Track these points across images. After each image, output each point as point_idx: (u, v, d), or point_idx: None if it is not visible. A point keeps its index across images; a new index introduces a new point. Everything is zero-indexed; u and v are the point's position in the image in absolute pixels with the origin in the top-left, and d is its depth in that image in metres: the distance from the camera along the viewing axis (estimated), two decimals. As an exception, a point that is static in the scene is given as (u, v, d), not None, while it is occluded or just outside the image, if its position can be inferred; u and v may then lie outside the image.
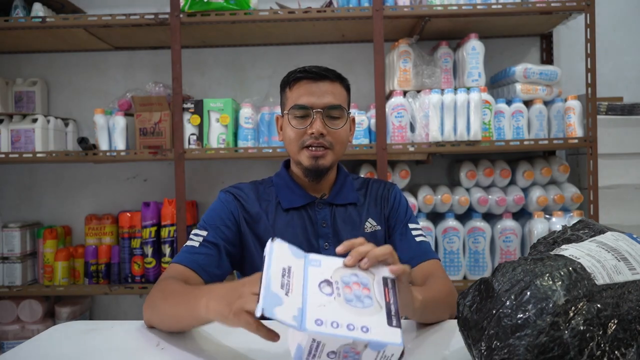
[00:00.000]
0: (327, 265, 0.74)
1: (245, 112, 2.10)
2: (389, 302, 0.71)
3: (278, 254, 0.72)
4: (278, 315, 0.64)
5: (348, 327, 0.65)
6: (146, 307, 0.96)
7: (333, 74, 1.16)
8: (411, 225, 1.21)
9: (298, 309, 0.66)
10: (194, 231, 1.13)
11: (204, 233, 1.11)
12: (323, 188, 1.20)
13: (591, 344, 0.58)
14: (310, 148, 1.13)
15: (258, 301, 0.65)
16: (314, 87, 1.13)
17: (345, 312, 0.67)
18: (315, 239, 1.15)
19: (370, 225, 1.19)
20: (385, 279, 0.74)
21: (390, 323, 0.67)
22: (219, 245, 1.10)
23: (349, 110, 1.21)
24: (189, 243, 1.10)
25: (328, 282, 0.71)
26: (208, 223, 1.13)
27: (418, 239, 1.19)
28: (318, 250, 1.14)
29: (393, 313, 0.69)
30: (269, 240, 0.73)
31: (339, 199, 1.20)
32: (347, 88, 1.21)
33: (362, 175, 2.10)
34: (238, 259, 1.16)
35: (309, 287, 0.70)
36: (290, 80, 1.17)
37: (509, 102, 2.10)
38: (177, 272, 1.04)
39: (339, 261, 0.76)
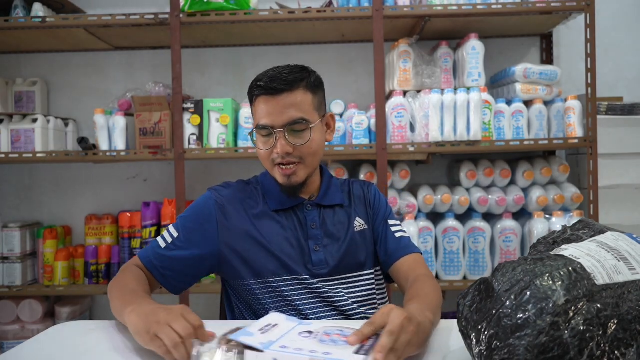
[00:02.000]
0: (317, 324, 0.80)
1: (245, 112, 2.10)
2: (364, 344, 0.72)
3: (270, 317, 0.80)
4: (242, 340, 0.70)
5: (310, 351, 0.68)
6: (108, 289, 1.06)
7: (293, 82, 1.07)
8: (391, 222, 1.22)
9: (269, 341, 0.71)
10: (170, 226, 1.15)
11: (175, 235, 1.12)
12: (310, 190, 1.20)
13: (591, 344, 0.58)
14: (280, 166, 1.11)
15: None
16: (272, 104, 1.07)
17: (313, 346, 0.70)
18: (305, 241, 1.14)
19: (359, 224, 1.20)
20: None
21: (356, 352, 0.69)
22: (184, 249, 1.11)
23: (323, 107, 1.16)
24: (159, 239, 1.13)
25: (309, 332, 0.75)
26: (183, 224, 1.14)
27: (398, 234, 1.20)
28: (309, 253, 1.13)
29: (364, 349, 0.70)
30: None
31: (327, 200, 1.19)
32: (314, 85, 1.12)
33: (362, 176, 2.11)
34: (216, 262, 1.14)
35: (289, 335, 0.74)
36: (252, 96, 1.12)
37: (509, 102, 2.10)
38: (137, 264, 1.12)
39: (331, 322, 0.80)
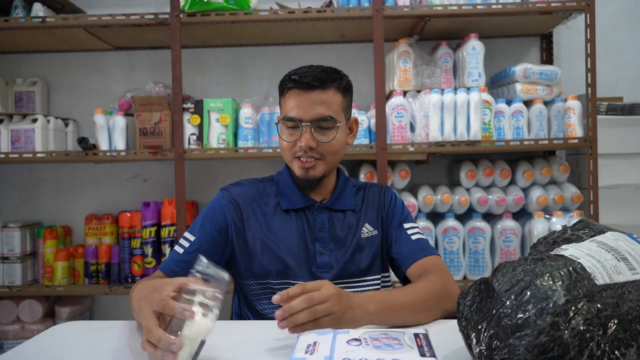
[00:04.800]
0: (355, 330, 0.78)
1: (245, 112, 2.10)
2: (421, 345, 0.71)
3: (304, 338, 0.77)
4: None
5: None
6: (131, 299, 0.99)
7: (326, 81, 1.11)
8: (407, 225, 1.21)
9: (325, 357, 0.68)
10: (185, 233, 1.16)
11: (192, 238, 1.13)
12: (323, 192, 1.20)
13: (591, 344, 0.58)
14: (300, 159, 1.12)
15: None
16: (303, 98, 1.10)
17: (374, 353, 0.69)
18: (311, 243, 1.15)
19: (367, 230, 1.19)
20: (416, 334, 0.75)
21: (422, 354, 0.68)
22: (203, 252, 1.10)
23: (349, 111, 1.19)
24: (176, 247, 1.14)
25: (356, 339, 0.74)
26: (198, 226, 1.15)
27: (414, 236, 1.18)
28: (314, 255, 1.14)
29: (427, 350, 0.69)
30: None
31: (338, 204, 1.19)
32: (345, 88, 1.15)
33: (362, 176, 2.11)
34: (230, 260, 1.17)
35: (337, 344, 0.72)
36: (283, 88, 1.15)
37: (509, 102, 2.10)
38: (159, 276, 1.10)
39: (368, 328, 0.80)
